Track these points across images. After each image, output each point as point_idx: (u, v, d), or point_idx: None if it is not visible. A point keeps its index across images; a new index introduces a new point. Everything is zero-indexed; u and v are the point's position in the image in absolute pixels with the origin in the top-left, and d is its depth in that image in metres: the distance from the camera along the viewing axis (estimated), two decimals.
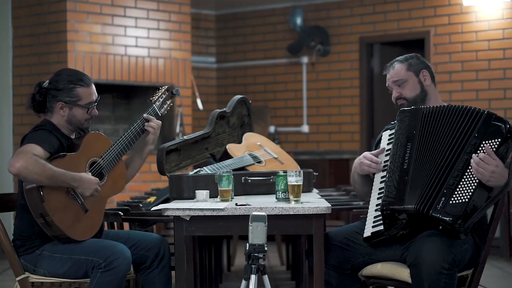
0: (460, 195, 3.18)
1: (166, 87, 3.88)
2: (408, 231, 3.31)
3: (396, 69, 3.61)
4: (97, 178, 3.48)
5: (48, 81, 3.59)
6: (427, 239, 3.24)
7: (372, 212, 3.39)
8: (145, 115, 3.74)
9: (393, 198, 3.27)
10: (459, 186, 3.19)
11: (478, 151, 3.21)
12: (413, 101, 3.56)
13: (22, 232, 3.51)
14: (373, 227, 3.35)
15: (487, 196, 3.24)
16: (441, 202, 3.18)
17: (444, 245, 3.21)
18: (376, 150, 3.50)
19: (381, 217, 3.31)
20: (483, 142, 3.22)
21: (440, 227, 3.23)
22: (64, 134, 3.56)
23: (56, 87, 3.54)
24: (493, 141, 3.21)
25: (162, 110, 3.81)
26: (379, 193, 3.39)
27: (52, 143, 3.44)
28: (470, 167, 3.21)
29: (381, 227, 3.32)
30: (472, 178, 3.20)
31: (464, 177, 3.20)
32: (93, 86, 3.60)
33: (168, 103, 3.85)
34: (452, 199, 3.18)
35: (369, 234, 3.37)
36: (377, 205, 3.37)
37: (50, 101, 3.55)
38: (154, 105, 3.78)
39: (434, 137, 3.32)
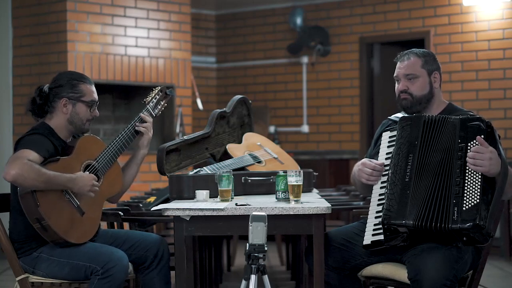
0: (470, 198, 3.15)
1: (160, 87, 3.86)
2: (409, 243, 3.29)
3: (411, 62, 3.50)
4: (93, 175, 3.47)
5: (47, 85, 3.61)
6: (428, 255, 3.20)
7: (372, 219, 3.36)
8: (141, 114, 3.74)
9: (394, 213, 3.23)
10: (465, 191, 3.17)
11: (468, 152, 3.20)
12: (418, 100, 3.48)
13: (18, 235, 3.50)
14: (373, 235, 3.33)
15: (493, 190, 3.20)
16: (456, 212, 3.14)
17: (445, 262, 3.17)
18: (376, 162, 3.43)
19: (381, 226, 3.29)
20: (469, 144, 3.22)
21: (465, 238, 3.17)
22: (60, 138, 3.55)
23: (59, 84, 3.57)
24: (477, 137, 3.20)
25: (156, 110, 3.81)
26: (379, 199, 3.37)
27: (46, 148, 3.43)
28: (467, 170, 3.19)
29: (381, 237, 3.29)
30: (475, 179, 3.18)
31: (466, 180, 3.18)
32: (94, 88, 3.63)
33: (162, 103, 3.84)
34: (464, 205, 3.14)
35: (369, 242, 3.35)
36: (377, 211, 3.35)
37: (53, 100, 3.56)
38: (147, 106, 3.78)
39: (432, 148, 3.29)
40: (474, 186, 3.17)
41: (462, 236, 3.17)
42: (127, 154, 3.91)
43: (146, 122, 3.73)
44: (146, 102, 3.80)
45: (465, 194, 3.16)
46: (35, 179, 3.28)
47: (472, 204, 3.14)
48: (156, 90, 3.84)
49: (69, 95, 3.55)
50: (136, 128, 3.71)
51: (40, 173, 3.30)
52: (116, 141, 3.64)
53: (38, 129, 3.52)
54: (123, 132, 3.68)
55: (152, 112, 3.78)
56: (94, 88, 3.63)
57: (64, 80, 3.58)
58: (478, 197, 3.15)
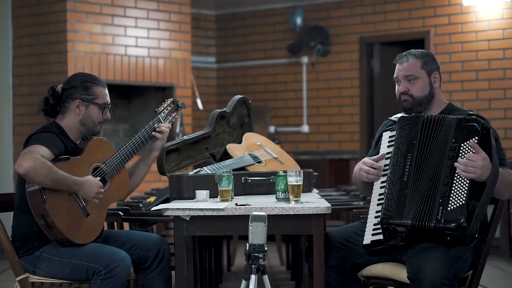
0: (456, 199, 3.17)
1: (172, 99, 3.92)
2: (408, 242, 3.30)
3: (410, 63, 3.49)
4: (100, 182, 3.48)
5: (60, 85, 3.61)
6: (428, 255, 3.21)
7: (372, 219, 3.37)
8: (157, 123, 3.76)
9: (393, 212, 3.25)
10: (452, 192, 3.18)
11: (460, 155, 3.21)
12: (419, 102, 3.47)
13: (20, 233, 3.50)
14: (372, 235, 3.34)
15: (482, 192, 3.21)
16: (440, 212, 3.16)
17: (445, 261, 3.18)
18: (376, 156, 3.45)
19: (380, 226, 3.30)
20: (462, 145, 3.22)
21: (448, 238, 3.19)
22: (70, 139, 3.56)
23: (72, 85, 3.58)
24: (471, 141, 3.21)
25: (167, 121, 3.84)
26: (379, 199, 3.37)
27: (58, 146, 3.44)
28: (457, 171, 3.19)
29: (381, 237, 3.30)
30: (463, 181, 3.19)
31: (454, 181, 3.19)
32: (107, 90, 3.65)
33: (173, 115, 3.88)
34: (449, 205, 3.16)
35: (369, 242, 3.36)
36: (377, 211, 3.35)
37: (65, 101, 3.57)
38: (159, 116, 3.82)
39: (430, 148, 3.30)
40: (461, 187, 3.18)
41: (446, 236, 3.19)
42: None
43: (162, 131, 3.75)
44: (158, 112, 3.84)
45: (452, 195, 3.18)
46: (45, 175, 3.29)
47: (458, 204, 3.15)
48: (168, 102, 3.89)
49: (82, 97, 3.56)
50: (154, 134, 3.73)
51: (52, 171, 3.31)
52: (126, 147, 3.65)
53: (50, 128, 3.53)
54: (133, 139, 3.70)
55: (162, 122, 3.81)
56: (107, 91, 3.64)
57: (78, 81, 3.59)
58: (464, 198, 3.16)
